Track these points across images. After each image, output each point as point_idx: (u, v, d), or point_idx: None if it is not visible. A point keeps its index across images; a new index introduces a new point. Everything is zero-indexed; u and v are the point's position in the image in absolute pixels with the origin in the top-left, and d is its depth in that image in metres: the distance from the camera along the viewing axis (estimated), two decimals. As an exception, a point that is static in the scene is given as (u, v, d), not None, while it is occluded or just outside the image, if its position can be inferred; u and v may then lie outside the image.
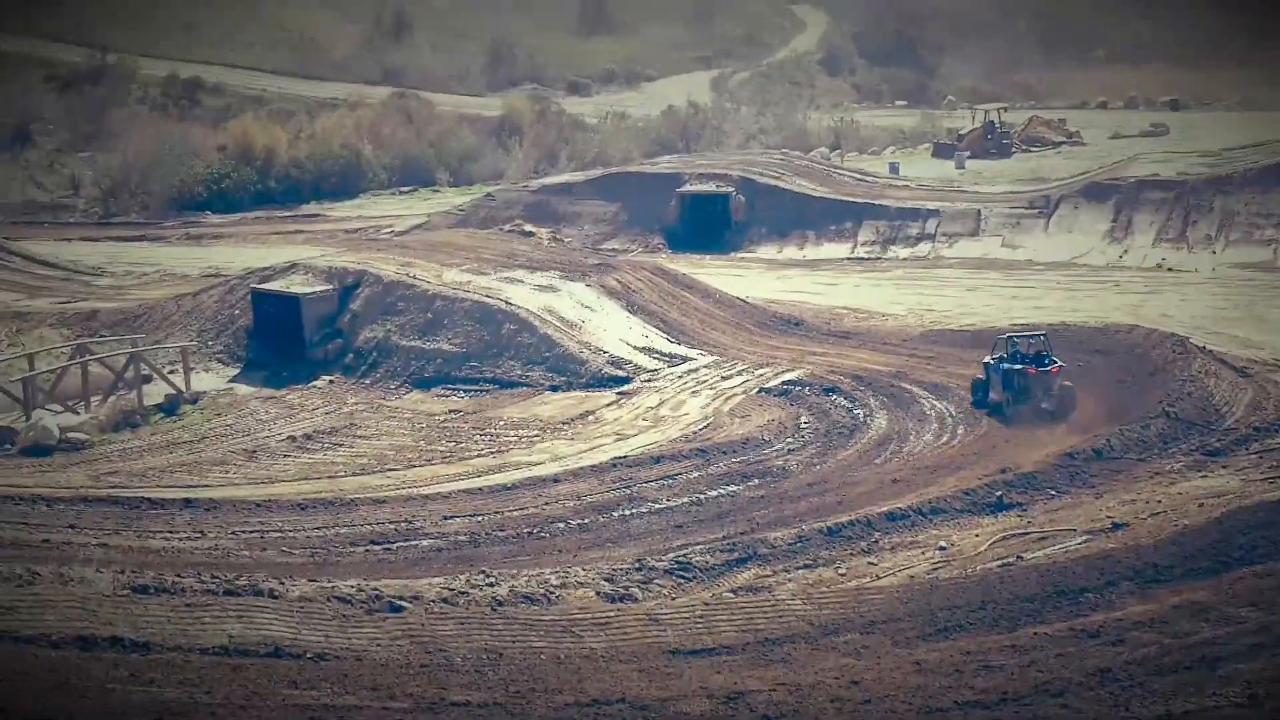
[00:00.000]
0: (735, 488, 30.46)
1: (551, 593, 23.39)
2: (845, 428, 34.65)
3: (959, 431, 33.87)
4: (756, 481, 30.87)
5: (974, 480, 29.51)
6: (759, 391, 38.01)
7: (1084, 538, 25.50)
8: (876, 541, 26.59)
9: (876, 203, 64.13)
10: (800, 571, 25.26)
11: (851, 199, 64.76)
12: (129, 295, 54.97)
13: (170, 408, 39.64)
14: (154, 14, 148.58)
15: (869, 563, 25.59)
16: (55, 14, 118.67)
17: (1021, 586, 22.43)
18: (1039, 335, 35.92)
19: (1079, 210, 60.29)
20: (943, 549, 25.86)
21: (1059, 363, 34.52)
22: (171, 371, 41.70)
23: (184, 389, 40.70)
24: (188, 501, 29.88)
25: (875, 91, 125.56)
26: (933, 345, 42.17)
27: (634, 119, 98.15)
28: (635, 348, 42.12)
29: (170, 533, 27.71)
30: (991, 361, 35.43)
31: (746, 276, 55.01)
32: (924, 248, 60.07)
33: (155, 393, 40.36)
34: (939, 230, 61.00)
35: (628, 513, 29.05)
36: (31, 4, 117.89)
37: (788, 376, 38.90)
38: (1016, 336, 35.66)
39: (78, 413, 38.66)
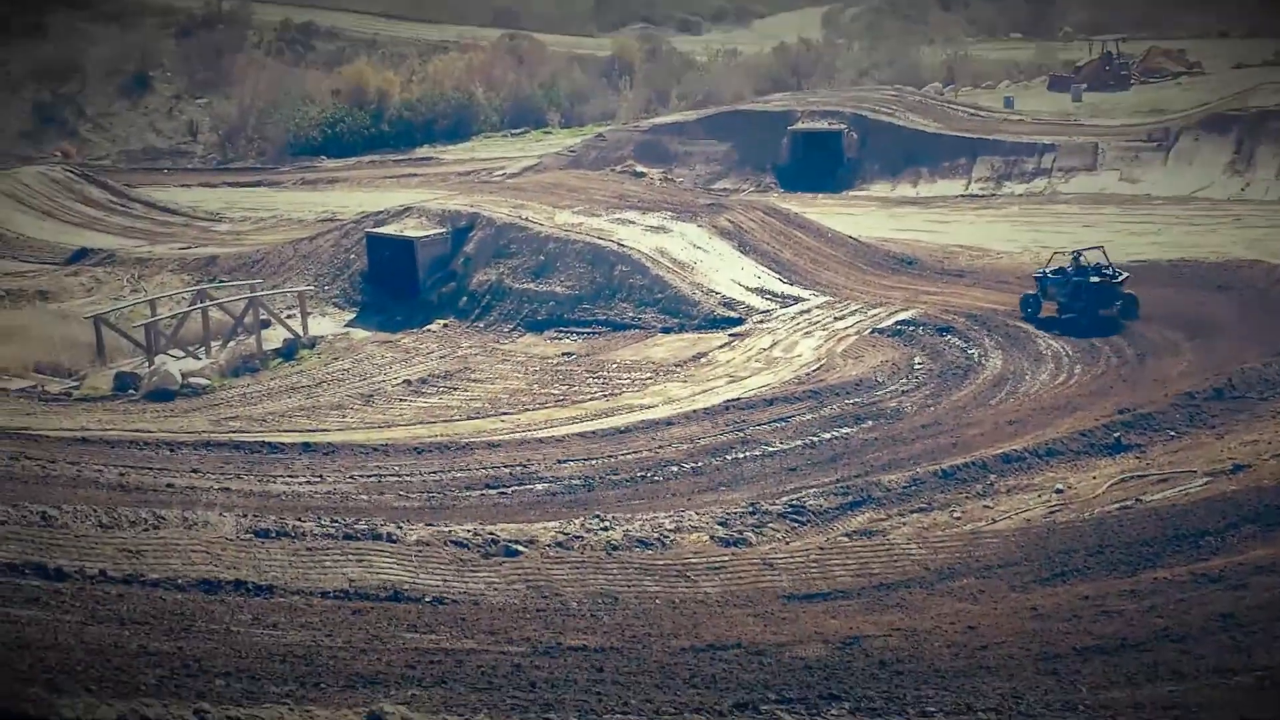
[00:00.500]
0: (849, 430, 30.36)
1: (665, 537, 23.49)
2: (960, 368, 34.39)
3: (1075, 371, 33.47)
4: (870, 424, 30.74)
5: (1091, 421, 29.14)
6: (872, 332, 37.80)
7: (1204, 480, 25.09)
8: (992, 484, 26.40)
9: (991, 138, 63.16)
10: (915, 515, 25.16)
11: (965, 134, 63.85)
12: (247, 240, 55.72)
13: (288, 352, 40.16)
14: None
15: (984, 506, 25.42)
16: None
17: (1140, 530, 22.15)
18: (1098, 247, 37.95)
19: (1199, 143, 58.96)
20: (1059, 492, 25.61)
21: (1125, 273, 37.34)
22: (289, 316, 42.22)
23: (301, 333, 41.23)
24: (306, 446, 30.33)
25: (990, 24, 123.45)
26: (1049, 283, 41.61)
27: (745, 56, 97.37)
28: (747, 289, 42.00)
29: (290, 477, 28.15)
30: (1049, 275, 37.87)
31: (859, 215, 54.57)
32: (1040, 183, 59.15)
33: (274, 337, 40.94)
34: (1055, 165, 59.99)
35: (741, 456, 29.06)
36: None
37: (901, 316, 38.62)
38: (1077, 249, 38.02)
39: (199, 358, 39.28)
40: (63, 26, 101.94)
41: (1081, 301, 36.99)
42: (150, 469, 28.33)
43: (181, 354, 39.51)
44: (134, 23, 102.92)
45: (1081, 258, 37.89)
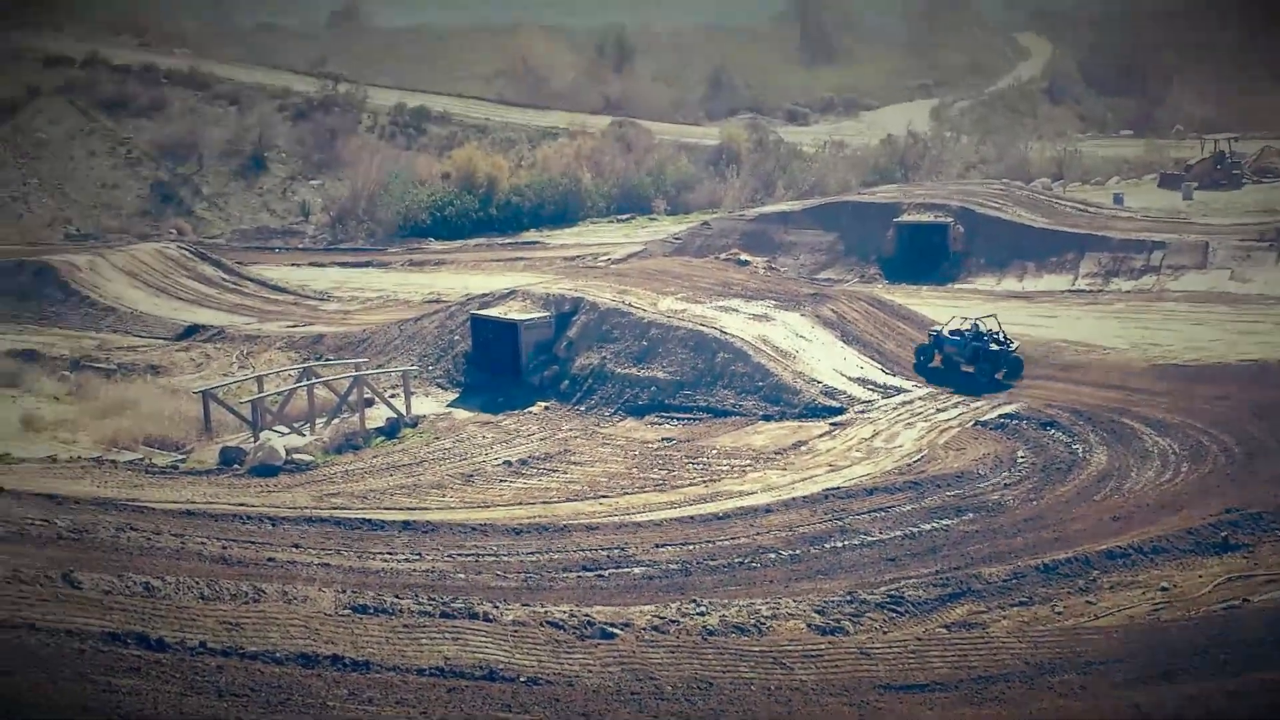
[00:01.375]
0: (949, 521, 30.07)
1: (762, 623, 23.36)
2: (1063, 463, 34.00)
3: (1183, 469, 32.97)
4: (971, 516, 30.43)
5: (1198, 519, 28.67)
6: (975, 425, 37.52)
7: (1314, 582, 24.60)
8: (1095, 580, 26.01)
9: (1099, 234, 62.72)
10: (1015, 609, 24.84)
11: (1073, 230, 63.48)
12: (354, 320, 56.43)
13: (391, 431, 40.51)
14: (383, 46, 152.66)
15: (1087, 602, 25.04)
16: (290, 48, 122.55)
17: (1247, 630, 21.72)
18: (992, 315, 44.35)
19: (1313, 244, 58.25)
20: (1165, 590, 25.19)
21: (1015, 342, 43.35)
22: (393, 395, 42.64)
23: (404, 413, 41.60)
24: (407, 524, 30.53)
25: (1100, 121, 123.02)
26: (1157, 380, 41.17)
27: (852, 148, 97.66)
28: (849, 378, 41.88)
29: (389, 554, 28.31)
30: (945, 334, 43.57)
31: (964, 308, 54.22)
32: (1148, 280, 58.57)
33: (377, 416, 41.31)
34: (1164, 263, 59.41)
35: (840, 545, 28.87)
36: (269, 38, 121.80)
37: (1004, 410, 38.32)
38: (975, 318, 43.89)
39: (303, 434, 39.75)
40: (182, 107, 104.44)
41: (980, 363, 42.59)
42: (252, 543, 28.63)
43: (286, 430, 40.00)
44: (251, 104, 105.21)
45: (980, 324, 43.38)
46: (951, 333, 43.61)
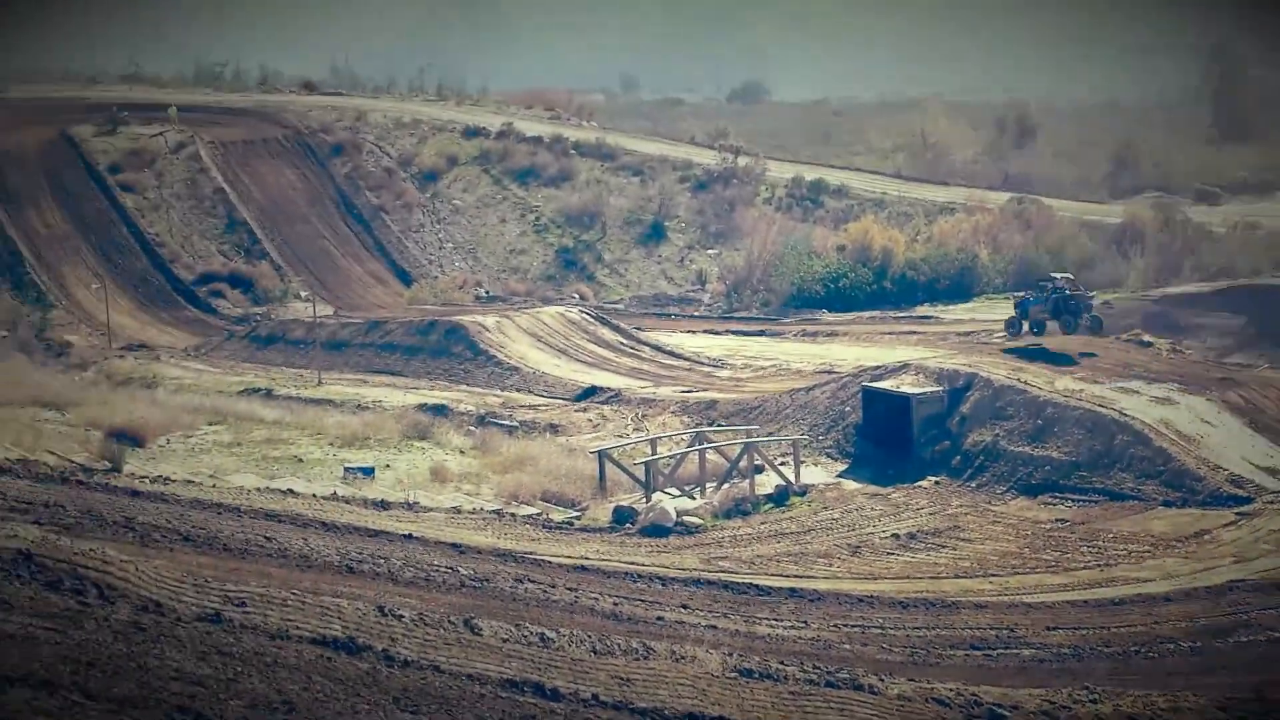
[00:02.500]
0: (1366, 624, 28.34)
1: (1159, 716, 22.50)
2: None
3: None
4: (1391, 619, 28.59)
5: None
6: (1397, 522, 35.30)
7: None
8: None
9: None
10: None
11: None
12: (746, 387, 57.08)
13: (780, 498, 40.73)
14: (783, 120, 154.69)
15: None
16: (693, 121, 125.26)
17: None
18: (1068, 276, 53.32)
19: None
20: None
21: (1094, 293, 52.80)
22: (782, 463, 42.90)
23: (793, 481, 41.80)
24: (793, 591, 30.67)
25: None
26: None
27: (1266, 229, 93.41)
28: (1259, 467, 39.98)
29: (775, 620, 28.46)
30: (1029, 297, 52.48)
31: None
32: None
33: (766, 483, 41.64)
34: None
35: (1245, 639, 27.56)
36: (673, 111, 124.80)
37: None
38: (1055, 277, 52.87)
39: (694, 497, 40.40)
40: (589, 176, 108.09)
41: (1063, 315, 50.76)
42: (642, 601, 29.22)
43: (678, 492, 40.72)
44: (654, 175, 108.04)
45: (1055, 280, 52.24)
46: (1034, 292, 52.67)
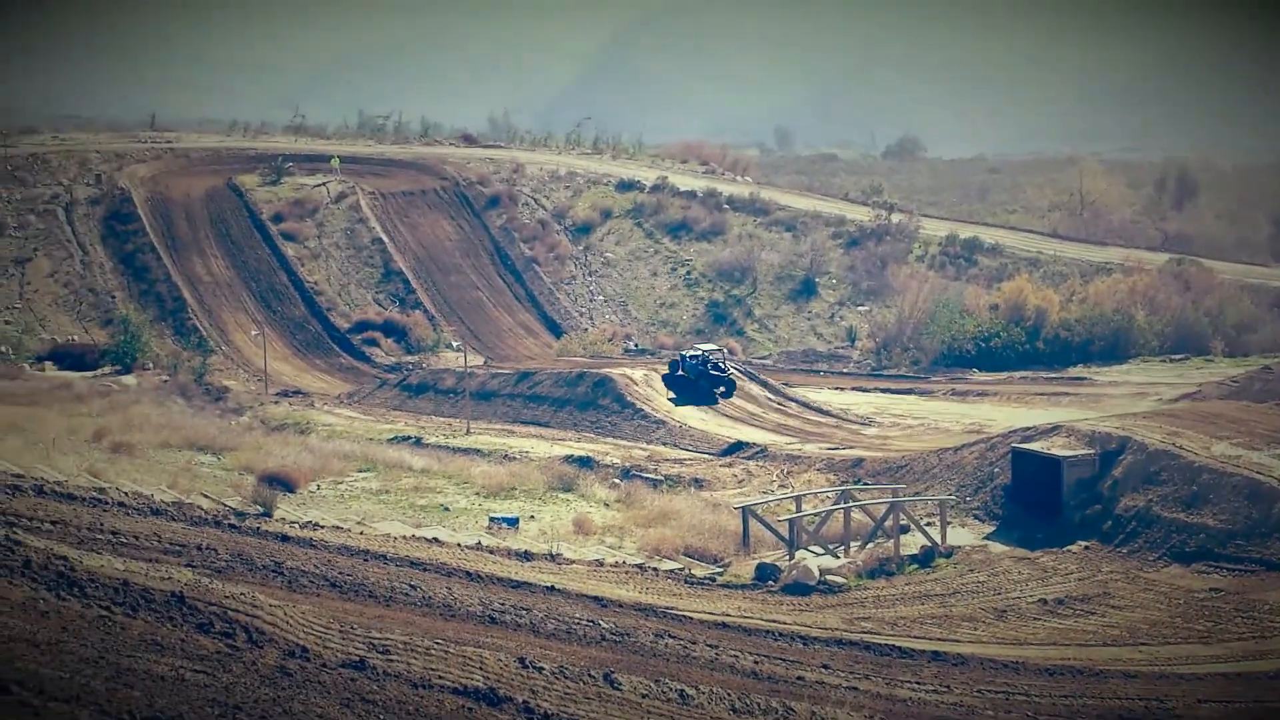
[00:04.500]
0: None
1: (1311, 796, 21.84)
2: None
3: None
4: None
5: None
6: None
7: None
8: None
9: None
10: None
11: None
12: (893, 446, 56.67)
13: (925, 559, 40.30)
14: (939, 177, 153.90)
15: None
16: (847, 177, 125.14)
17: None
18: (720, 349, 70.97)
19: None
20: None
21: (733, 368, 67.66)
22: (928, 524, 42.47)
23: (940, 542, 41.34)
24: (936, 654, 30.29)
25: None
26: None
27: None
28: None
29: (917, 683, 28.11)
30: (687, 358, 68.17)
31: None
32: None
33: (911, 543, 41.22)
34: None
35: None
36: (827, 167, 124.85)
37: None
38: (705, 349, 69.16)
39: (837, 556, 40.11)
40: (741, 231, 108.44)
41: (705, 381, 66.33)
42: (783, 660, 29.04)
43: (821, 550, 40.46)
44: (806, 231, 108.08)
45: (710, 355, 68.09)
46: (691, 357, 68.70)
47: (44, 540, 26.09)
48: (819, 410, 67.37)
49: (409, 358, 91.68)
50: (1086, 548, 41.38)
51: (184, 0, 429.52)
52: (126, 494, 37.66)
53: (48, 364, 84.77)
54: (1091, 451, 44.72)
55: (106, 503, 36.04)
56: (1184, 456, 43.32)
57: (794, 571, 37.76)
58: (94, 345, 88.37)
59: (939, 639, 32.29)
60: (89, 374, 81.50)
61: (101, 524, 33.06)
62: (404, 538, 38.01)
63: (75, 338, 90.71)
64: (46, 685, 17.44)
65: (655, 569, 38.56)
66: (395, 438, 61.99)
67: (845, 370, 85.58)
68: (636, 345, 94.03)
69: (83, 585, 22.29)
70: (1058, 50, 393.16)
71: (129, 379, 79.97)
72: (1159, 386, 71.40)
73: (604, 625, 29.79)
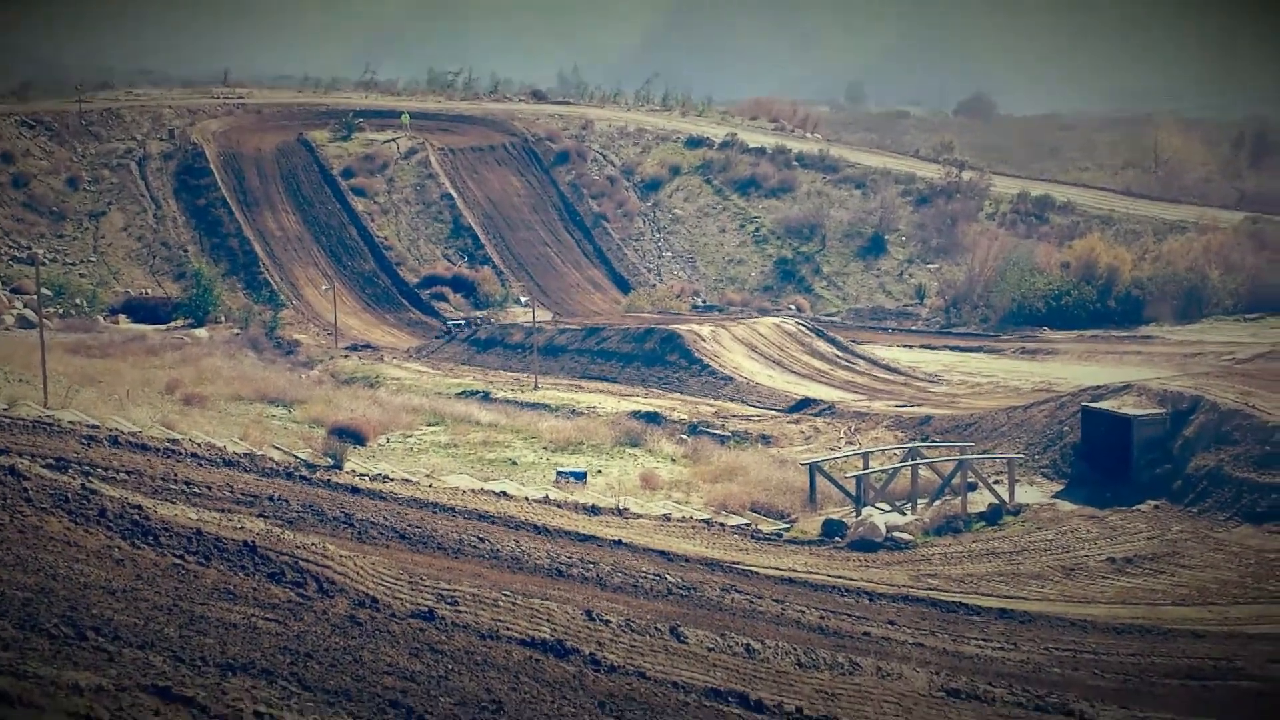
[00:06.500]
0: None
1: (1384, 757, 21.69)
2: None
3: None
4: None
5: None
6: None
7: None
8: None
9: None
10: None
11: None
12: (961, 404, 56.41)
13: (993, 517, 40.17)
14: (1011, 134, 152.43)
15: None
16: (917, 134, 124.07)
17: None
18: None
19: None
20: None
21: None
22: (996, 482, 42.29)
23: (1007, 500, 41.19)
24: (1003, 611, 30.24)
25: None
26: None
27: None
28: None
29: (984, 640, 28.07)
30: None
31: None
32: None
33: (979, 501, 41.10)
34: None
35: None
36: (897, 125, 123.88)
37: None
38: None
39: (904, 513, 40.05)
40: (810, 188, 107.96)
41: None
42: (849, 615, 29.06)
43: (888, 507, 40.42)
44: (876, 188, 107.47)
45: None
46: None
47: (119, 489, 26.45)
48: (887, 368, 67.13)
49: (478, 313, 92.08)
50: (1156, 507, 41.08)
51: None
52: (199, 445, 38.04)
53: (121, 317, 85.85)
54: (1162, 410, 44.32)
55: (180, 453, 36.42)
56: (1257, 416, 42.86)
57: (860, 528, 37.76)
58: (167, 298, 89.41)
59: (1006, 596, 32.22)
60: (162, 327, 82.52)
61: (175, 474, 33.44)
62: (472, 491, 38.23)
63: (148, 291, 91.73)
64: (121, 632, 17.70)
65: (722, 524, 38.62)
66: (463, 392, 62.33)
67: (914, 328, 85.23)
68: (704, 302, 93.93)
69: (157, 534, 22.60)
70: (1137, 4, 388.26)
71: (201, 332, 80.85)
72: (1233, 345, 70.64)
73: (670, 579, 29.89)
